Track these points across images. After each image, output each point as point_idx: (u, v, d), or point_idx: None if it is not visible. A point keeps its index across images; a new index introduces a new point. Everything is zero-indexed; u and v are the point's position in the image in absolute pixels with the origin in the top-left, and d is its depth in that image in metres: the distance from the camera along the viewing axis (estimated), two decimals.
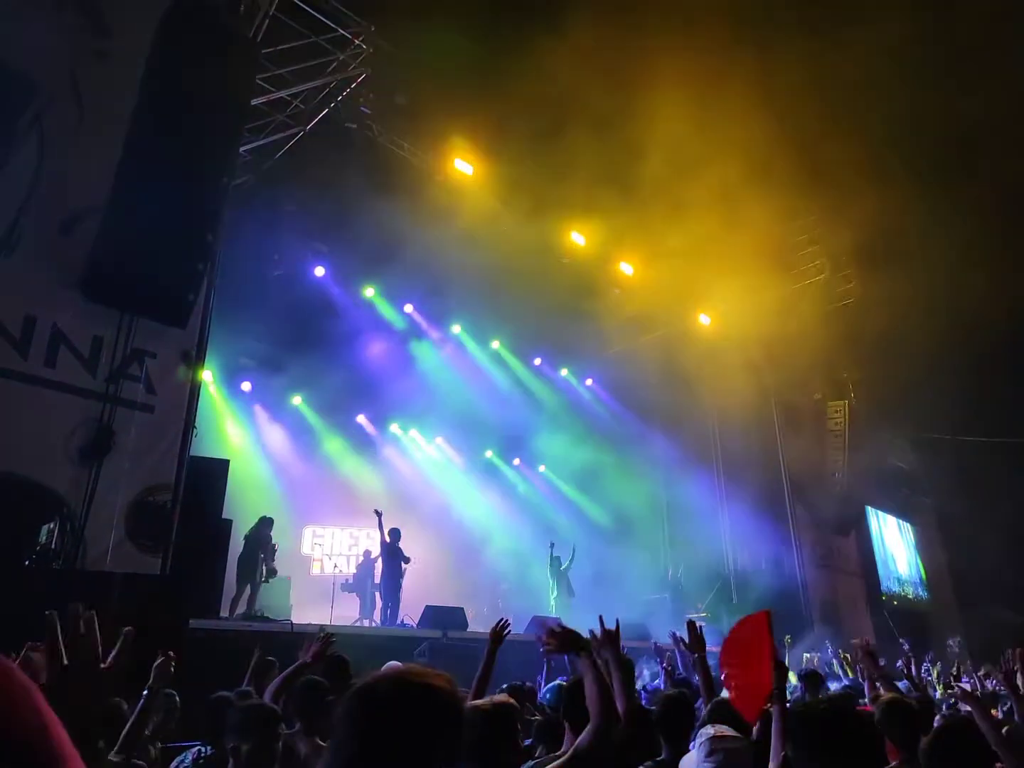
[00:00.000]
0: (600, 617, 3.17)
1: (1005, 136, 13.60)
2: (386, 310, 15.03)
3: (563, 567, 13.86)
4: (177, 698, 4.15)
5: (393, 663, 1.36)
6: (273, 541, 10.79)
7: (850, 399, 17.05)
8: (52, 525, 6.43)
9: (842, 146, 12.83)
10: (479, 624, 11.14)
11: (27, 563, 6.17)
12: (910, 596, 20.73)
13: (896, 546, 21.47)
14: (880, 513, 20.39)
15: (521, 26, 10.84)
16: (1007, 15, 12.15)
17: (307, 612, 11.25)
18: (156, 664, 3.09)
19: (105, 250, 6.82)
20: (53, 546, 6.38)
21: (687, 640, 4.04)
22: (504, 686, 4.14)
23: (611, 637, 2.96)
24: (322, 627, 7.41)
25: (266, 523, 10.76)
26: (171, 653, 3.13)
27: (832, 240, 16.36)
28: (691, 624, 3.92)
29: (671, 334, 16.23)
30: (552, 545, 14.11)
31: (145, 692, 3.01)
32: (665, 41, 11.50)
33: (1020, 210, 13.60)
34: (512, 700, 2.50)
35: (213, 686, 3.94)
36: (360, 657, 5.10)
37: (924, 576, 22.33)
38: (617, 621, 3.06)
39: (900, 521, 22.03)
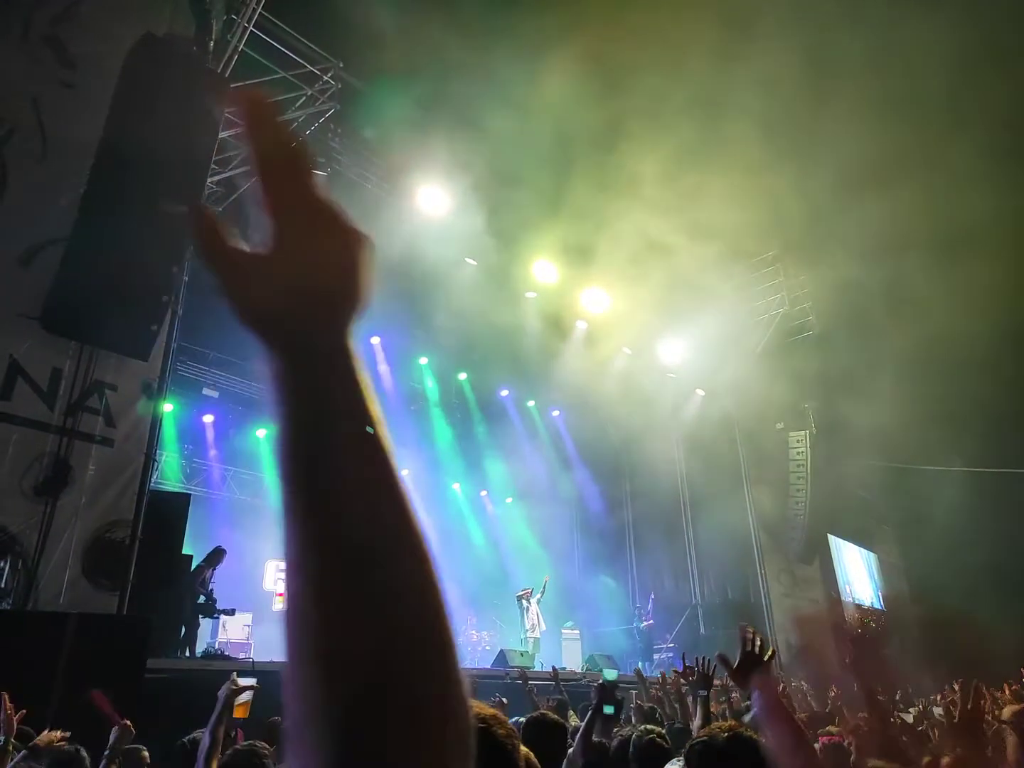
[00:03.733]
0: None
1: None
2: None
3: (535, 598, 13.65)
4: (146, 752, 3.87)
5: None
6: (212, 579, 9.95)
7: (811, 429, 17.37)
8: (3, 563, 6.21)
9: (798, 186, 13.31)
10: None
11: None
12: (872, 624, 20.95)
13: (857, 573, 21.76)
14: (841, 541, 20.67)
15: (488, 59, 11.05)
16: None
17: (270, 649, 10.93)
18: (115, 729, 3.01)
19: (66, 281, 6.72)
20: (3, 585, 6.16)
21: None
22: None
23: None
24: None
25: (219, 554, 10.15)
26: (127, 721, 3.06)
27: (792, 274, 16.85)
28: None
29: (636, 366, 16.45)
30: (547, 581, 13.96)
31: (106, 753, 2.94)
32: (632, 81, 11.88)
33: (976, 229, 14.13)
34: None
35: (172, 727, 3.79)
36: None
37: (884, 604, 22.61)
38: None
39: (861, 548, 22.35)
